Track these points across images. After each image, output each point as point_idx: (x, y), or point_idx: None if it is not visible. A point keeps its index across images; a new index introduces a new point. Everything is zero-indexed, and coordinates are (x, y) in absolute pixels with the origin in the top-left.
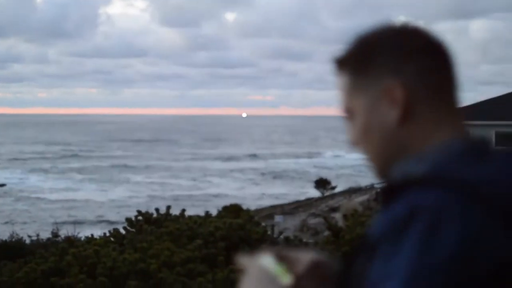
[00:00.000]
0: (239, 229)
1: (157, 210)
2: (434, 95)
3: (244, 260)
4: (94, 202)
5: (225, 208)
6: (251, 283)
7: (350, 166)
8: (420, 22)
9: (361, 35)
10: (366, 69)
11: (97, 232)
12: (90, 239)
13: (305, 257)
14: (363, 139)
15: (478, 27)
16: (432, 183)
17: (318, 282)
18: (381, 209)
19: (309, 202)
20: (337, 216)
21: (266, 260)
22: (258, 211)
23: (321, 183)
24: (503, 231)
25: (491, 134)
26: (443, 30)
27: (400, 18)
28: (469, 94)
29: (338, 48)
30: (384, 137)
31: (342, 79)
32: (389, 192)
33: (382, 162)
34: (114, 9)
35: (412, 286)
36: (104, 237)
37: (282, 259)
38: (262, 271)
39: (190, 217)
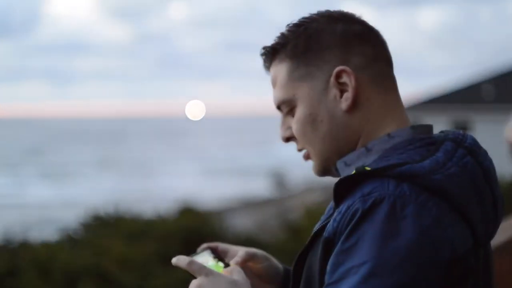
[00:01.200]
0: (194, 230)
1: (109, 210)
2: (379, 83)
3: (181, 261)
4: (45, 201)
5: (179, 208)
6: (197, 282)
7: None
8: (371, 12)
9: (299, 23)
10: (310, 57)
11: (49, 233)
12: (43, 241)
13: (239, 252)
14: (308, 130)
15: (427, 15)
16: (385, 175)
17: (252, 274)
18: (336, 204)
19: (265, 200)
20: (295, 214)
21: (203, 257)
22: (212, 210)
23: (277, 179)
24: (457, 220)
25: (442, 122)
26: (391, 16)
27: (349, 7)
28: (417, 83)
29: (272, 38)
30: (333, 125)
31: (279, 69)
32: (344, 186)
33: (328, 154)
34: (58, 4)
35: (376, 276)
36: (57, 239)
37: (217, 254)
38: (202, 268)
39: (143, 218)
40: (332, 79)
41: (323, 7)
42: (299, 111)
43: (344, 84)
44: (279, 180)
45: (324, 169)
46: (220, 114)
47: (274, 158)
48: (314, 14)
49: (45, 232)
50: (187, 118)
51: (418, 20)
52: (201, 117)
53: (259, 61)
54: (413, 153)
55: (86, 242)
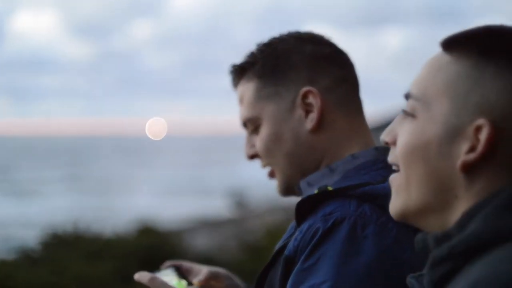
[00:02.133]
0: (153, 249)
1: (68, 229)
2: (345, 105)
3: (143, 277)
4: (2, 219)
5: (139, 227)
6: None
7: (265, 181)
8: (334, 32)
9: (268, 43)
10: (278, 77)
11: (7, 251)
12: (1, 260)
13: (202, 270)
14: (272, 149)
15: (390, 33)
16: (347, 195)
17: None
18: (297, 223)
19: (225, 220)
20: (256, 234)
21: (166, 275)
22: (172, 229)
23: (237, 200)
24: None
25: None
26: (355, 36)
27: (313, 27)
28: (381, 104)
29: (240, 57)
30: (297, 145)
31: (246, 88)
32: (306, 205)
33: (292, 173)
34: (20, 21)
35: None
36: (15, 257)
37: (181, 272)
38: (163, 285)
39: (103, 237)
40: (299, 99)
41: (285, 27)
42: (264, 130)
43: (310, 104)
44: (240, 199)
45: (287, 188)
46: (181, 132)
47: (235, 178)
48: (284, 35)
49: (2, 250)
50: (148, 137)
51: (382, 41)
52: (163, 136)
53: (221, 80)
54: (375, 174)
55: (45, 261)
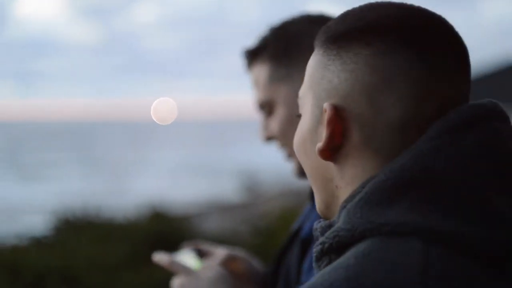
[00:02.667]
0: (164, 234)
1: (78, 213)
2: None
3: (162, 259)
4: (11, 203)
5: (149, 212)
6: (178, 281)
7: (277, 165)
8: (340, 10)
9: (279, 26)
10: (290, 59)
11: (17, 236)
12: (11, 243)
13: (221, 252)
14: (288, 130)
15: None
16: None
17: (233, 275)
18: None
19: (236, 204)
20: (267, 219)
21: (185, 257)
22: (183, 214)
23: (248, 184)
24: None
25: None
26: None
27: (317, 5)
28: None
29: (252, 40)
30: None
31: (260, 71)
32: None
33: None
34: (25, 4)
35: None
36: (25, 241)
37: (200, 254)
38: (183, 268)
39: (113, 222)
40: None
41: (293, 7)
42: (279, 112)
43: None
44: (251, 184)
45: (303, 170)
46: (190, 114)
47: (245, 161)
48: (295, 17)
49: (12, 235)
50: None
51: None
52: (172, 120)
53: (227, 61)
54: None
55: (54, 245)
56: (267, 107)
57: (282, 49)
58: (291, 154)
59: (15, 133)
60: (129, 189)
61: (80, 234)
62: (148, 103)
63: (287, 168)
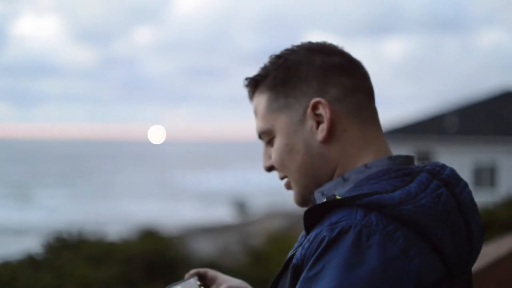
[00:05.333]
0: (156, 253)
1: (72, 233)
2: (357, 114)
3: None
4: (5, 223)
5: (142, 232)
6: None
7: (267, 186)
8: (335, 41)
9: (280, 55)
10: (288, 89)
11: (10, 252)
12: (5, 262)
13: (223, 283)
14: (286, 160)
15: (392, 43)
16: (354, 205)
17: None
18: (305, 231)
19: (227, 226)
20: (257, 240)
21: (188, 284)
22: (174, 234)
23: (239, 205)
24: (425, 251)
25: (405, 153)
26: (357, 46)
27: (314, 35)
28: (383, 113)
29: (254, 68)
30: (309, 156)
31: (260, 100)
32: (313, 214)
33: (306, 183)
34: (23, 26)
35: None
36: (19, 260)
37: (204, 281)
38: None
39: (106, 241)
40: (309, 110)
41: (287, 35)
42: (278, 141)
43: (320, 115)
44: (241, 205)
45: (303, 199)
46: (182, 138)
47: (236, 183)
48: (295, 46)
49: (6, 253)
50: (149, 142)
51: (384, 50)
52: (162, 141)
53: (223, 88)
54: (385, 184)
55: (48, 264)
56: (266, 136)
57: (281, 78)
58: (291, 184)
59: (14, 152)
60: (123, 209)
61: (73, 253)
62: (143, 127)
63: (275, 189)
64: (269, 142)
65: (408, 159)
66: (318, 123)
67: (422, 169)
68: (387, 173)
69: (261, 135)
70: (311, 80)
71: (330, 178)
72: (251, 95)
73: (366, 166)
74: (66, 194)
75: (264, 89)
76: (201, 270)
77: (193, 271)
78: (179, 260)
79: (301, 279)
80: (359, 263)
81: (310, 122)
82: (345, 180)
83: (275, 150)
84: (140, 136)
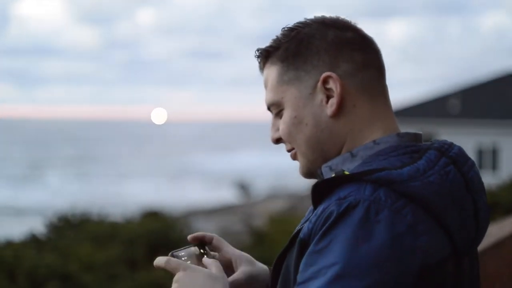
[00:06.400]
0: (159, 234)
1: (75, 213)
2: (367, 90)
3: (159, 260)
4: (10, 203)
5: (145, 212)
6: (175, 278)
7: (270, 168)
8: (348, 18)
9: (292, 28)
10: (299, 61)
11: (13, 232)
12: (8, 242)
13: (228, 253)
14: (294, 133)
15: (395, 26)
16: (363, 180)
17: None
18: (313, 206)
19: (230, 207)
20: (259, 220)
21: (188, 251)
22: (177, 214)
23: (242, 186)
24: (433, 228)
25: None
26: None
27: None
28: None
29: (267, 40)
30: (317, 130)
31: (270, 71)
32: (321, 189)
33: (313, 157)
34: (26, 7)
35: (344, 278)
36: (22, 240)
37: (207, 249)
38: (179, 263)
39: (109, 221)
40: (319, 84)
41: (289, 17)
42: (286, 113)
43: (330, 90)
44: (244, 187)
45: (309, 171)
46: (184, 120)
47: (238, 165)
48: (308, 19)
49: (9, 233)
50: (152, 123)
51: (387, 32)
52: (164, 122)
53: (225, 70)
54: (394, 160)
55: (52, 244)
56: (275, 108)
57: (293, 51)
58: (297, 155)
59: (17, 133)
60: (126, 190)
61: (76, 233)
62: (146, 110)
63: (278, 170)
64: (278, 114)
65: (417, 136)
66: (328, 97)
67: (430, 147)
68: (396, 150)
69: (270, 107)
70: (323, 54)
71: (338, 153)
72: (262, 66)
73: (374, 142)
74: (70, 175)
75: (275, 60)
76: (208, 235)
77: (199, 234)
78: (182, 241)
79: (307, 252)
80: (366, 238)
81: (320, 96)
82: (353, 155)
83: (283, 122)
84: (143, 117)
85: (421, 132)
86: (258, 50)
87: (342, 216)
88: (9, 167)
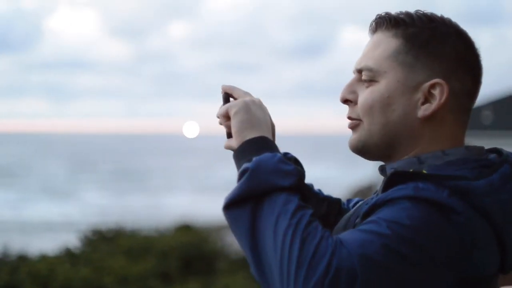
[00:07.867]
0: (192, 247)
1: (109, 226)
2: (458, 114)
3: (224, 84)
4: (44, 217)
5: (178, 225)
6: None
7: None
8: (357, 35)
9: (432, 18)
10: (423, 53)
11: (48, 246)
12: (43, 256)
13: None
14: (375, 109)
15: None
16: (441, 185)
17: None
18: (384, 187)
19: None
20: None
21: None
22: (210, 227)
23: None
24: (492, 245)
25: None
26: None
27: (349, 29)
28: None
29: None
30: (400, 122)
31: (388, 41)
32: (398, 178)
33: (378, 141)
34: (59, 21)
35: (392, 243)
36: (57, 254)
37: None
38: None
39: (143, 235)
40: (427, 85)
41: (319, 28)
42: (379, 88)
43: (433, 96)
44: None
45: (362, 148)
46: (216, 133)
47: None
48: (446, 19)
49: (45, 247)
50: (184, 136)
51: None
52: (196, 136)
53: (257, 83)
54: (467, 172)
55: (86, 258)
56: (367, 75)
57: (423, 39)
58: (358, 128)
59: (49, 146)
60: (159, 203)
61: (110, 247)
62: (179, 122)
63: (311, 181)
64: (365, 80)
65: (481, 150)
66: (426, 100)
67: (504, 160)
68: (466, 162)
69: (362, 70)
70: (445, 61)
71: (403, 152)
72: (380, 29)
73: (444, 152)
74: (105, 189)
75: (400, 34)
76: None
77: (225, 87)
78: (216, 254)
79: (368, 220)
80: (429, 239)
81: (420, 95)
82: (420, 162)
83: (370, 93)
84: (175, 131)
85: (483, 146)
86: (386, 13)
87: (416, 199)
88: (45, 181)
